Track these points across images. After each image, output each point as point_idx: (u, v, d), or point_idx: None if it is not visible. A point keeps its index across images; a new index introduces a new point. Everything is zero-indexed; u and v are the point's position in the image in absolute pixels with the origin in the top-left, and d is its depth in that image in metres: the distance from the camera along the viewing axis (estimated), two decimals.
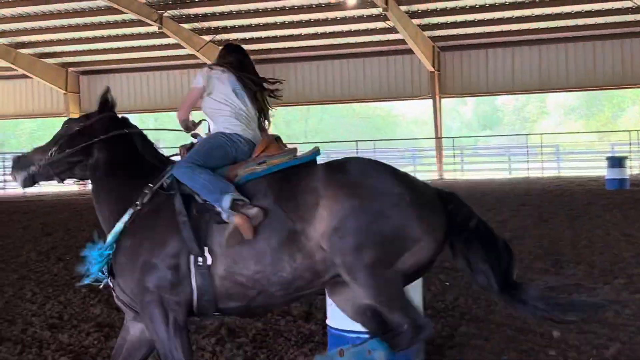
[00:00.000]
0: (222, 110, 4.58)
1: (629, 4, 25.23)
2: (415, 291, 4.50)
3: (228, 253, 4.02)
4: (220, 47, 4.96)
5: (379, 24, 27.52)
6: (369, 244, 3.85)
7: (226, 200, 4.04)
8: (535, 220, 13.07)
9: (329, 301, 4.61)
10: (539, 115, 53.48)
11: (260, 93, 4.73)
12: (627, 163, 20.33)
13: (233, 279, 4.03)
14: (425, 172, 30.95)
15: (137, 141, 4.67)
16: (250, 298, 4.05)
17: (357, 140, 32.55)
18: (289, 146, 4.51)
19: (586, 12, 26.22)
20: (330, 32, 28.85)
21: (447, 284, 7.61)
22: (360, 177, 4.05)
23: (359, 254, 3.83)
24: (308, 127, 55.87)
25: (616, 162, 19.84)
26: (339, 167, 4.16)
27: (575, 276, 7.76)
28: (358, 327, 4.29)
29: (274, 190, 4.12)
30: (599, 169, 22.39)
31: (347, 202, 3.92)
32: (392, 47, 29.35)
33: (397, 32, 27.09)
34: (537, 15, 26.55)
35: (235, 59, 4.74)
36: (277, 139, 4.56)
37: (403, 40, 27.59)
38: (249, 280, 4.01)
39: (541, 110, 53.38)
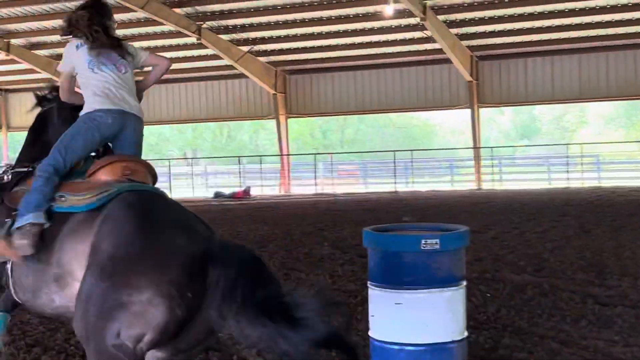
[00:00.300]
0: (84, 89, 4.27)
1: None
2: (457, 302, 4.44)
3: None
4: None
5: (417, 34, 27.43)
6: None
7: (21, 220, 3.76)
8: (576, 230, 12.90)
9: (370, 312, 4.59)
10: (578, 124, 52.93)
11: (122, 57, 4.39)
12: None
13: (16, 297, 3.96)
14: (463, 182, 30.79)
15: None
16: None
17: (394, 151, 32.46)
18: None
19: (626, 20, 25.90)
20: (367, 42, 28.85)
21: (489, 295, 7.53)
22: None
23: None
24: (344, 137, 55.90)
25: None
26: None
27: (620, 288, 7.64)
28: (401, 338, 4.26)
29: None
30: None
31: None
32: (430, 57, 29.25)
33: (434, 41, 26.99)
34: (576, 24, 26.27)
35: (86, 25, 4.36)
36: (135, 160, 4.17)
37: (441, 49, 27.48)
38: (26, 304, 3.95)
39: (580, 120, 52.82)
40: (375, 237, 4.51)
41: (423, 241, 4.32)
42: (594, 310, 6.73)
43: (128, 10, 25.73)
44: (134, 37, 29.18)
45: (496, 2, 25.32)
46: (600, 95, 28.88)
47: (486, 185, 29.44)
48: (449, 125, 53.28)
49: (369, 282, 4.54)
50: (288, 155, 32.93)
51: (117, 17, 26.88)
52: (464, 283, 4.50)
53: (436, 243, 4.31)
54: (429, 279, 4.34)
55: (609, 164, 32.15)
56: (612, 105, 45.06)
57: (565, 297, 7.32)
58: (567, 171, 29.36)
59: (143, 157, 4.44)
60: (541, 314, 6.70)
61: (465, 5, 25.83)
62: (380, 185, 30.98)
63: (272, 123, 34.06)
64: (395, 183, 30.53)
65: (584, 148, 32.35)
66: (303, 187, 31.15)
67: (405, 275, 4.34)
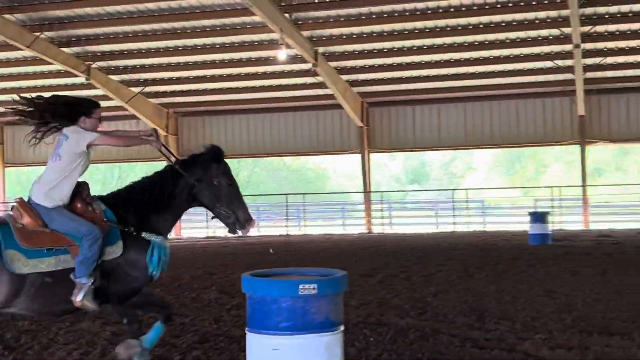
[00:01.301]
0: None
1: (549, 64, 26.16)
2: (336, 347, 4.45)
3: None
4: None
5: (309, 79, 27.84)
6: None
7: None
8: (460, 274, 13.20)
9: (248, 358, 4.52)
10: (465, 170, 54.57)
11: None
12: (549, 218, 20.78)
13: None
14: (354, 226, 31.12)
15: None
16: None
17: (287, 194, 32.57)
18: None
19: (509, 71, 27.09)
20: (260, 86, 29.06)
21: (372, 339, 7.58)
22: None
23: None
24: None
25: (539, 217, 20.26)
26: None
27: (497, 331, 7.84)
28: None
29: None
30: (523, 224, 22.86)
31: None
32: (322, 102, 29.66)
33: (327, 87, 27.43)
34: (462, 74, 27.31)
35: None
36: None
37: (333, 95, 27.96)
38: None
39: (468, 166, 54.49)
40: (254, 282, 4.48)
41: (301, 286, 4.32)
42: (472, 354, 6.87)
43: (15, 48, 25.08)
44: (21, 76, 28.48)
45: (385, 50, 26.05)
46: (485, 142, 29.94)
47: (376, 229, 29.86)
48: (342, 169, 53.98)
49: (247, 328, 4.50)
50: None
51: (3, 55, 26.23)
52: (342, 327, 4.51)
53: (314, 288, 4.32)
54: (307, 324, 4.33)
55: (494, 209, 33.20)
56: (497, 152, 46.74)
57: (446, 340, 7.46)
58: (454, 215, 30.16)
59: None
60: (421, 357, 6.79)
61: (356, 52, 26.47)
62: (272, 229, 30.94)
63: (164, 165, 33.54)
64: (287, 226, 30.57)
65: (470, 193, 33.36)
66: (194, 230, 30.76)
67: (283, 320, 4.33)
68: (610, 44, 25.09)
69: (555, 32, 24.20)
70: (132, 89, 29.16)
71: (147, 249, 5.69)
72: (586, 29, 23.42)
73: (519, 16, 23.53)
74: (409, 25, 24.37)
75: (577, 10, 21.56)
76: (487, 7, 22.96)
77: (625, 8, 22.84)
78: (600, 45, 25.10)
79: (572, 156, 32.30)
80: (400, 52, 26.09)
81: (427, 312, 9.16)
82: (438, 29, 24.60)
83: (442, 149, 32.46)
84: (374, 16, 23.86)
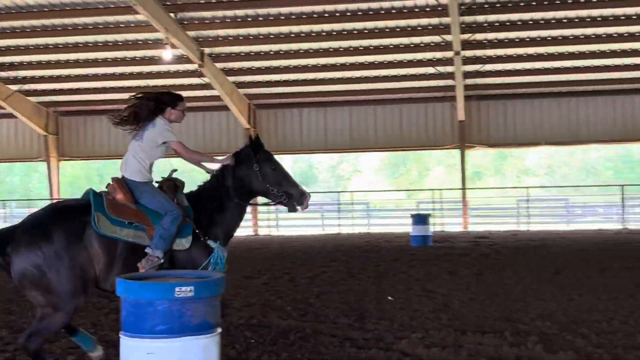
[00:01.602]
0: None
1: (432, 70, 26.88)
2: (213, 349, 4.43)
3: None
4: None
5: (195, 80, 27.56)
6: None
7: None
8: (343, 275, 13.38)
9: None
10: (352, 173, 55.31)
11: None
12: (431, 220, 21.34)
13: None
14: (241, 228, 30.92)
15: None
16: None
17: None
18: None
19: (393, 76, 27.66)
20: (144, 86, 28.52)
21: (252, 341, 7.58)
22: None
23: None
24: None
25: (420, 219, 20.77)
26: None
27: (376, 331, 7.99)
28: None
29: None
30: (406, 226, 23.37)
31: None
32: (209, 103, 29.40)
33: (213, 88, 27.23)
34: (348, 78, 27.71)
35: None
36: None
37: (219, 96, 27.78)
38: None
39: (355, 169, 55.24)
40: (128, 285, 4.42)
41: (177, 289, 4.29)
42: (350, 354, 6.98)
43: None
44: None
45: (272, 53, 26.11)
46: (369, 146, 30.45)
47: (263, 231, 29.86)
48: None
49: (121, 332, 4.42)
50: (59, 199, 31.55)
51: None
52: (219, 330, 4.50)
53: (190, 290, 4.30)
54: (184, 327, 4.31)
55: (378, 211, 33.77)
56: (382, 155, 47.61)
57: (326, 341, 7.55)
58: (339, 218, 30.53)
59: None
60: (301, 358, 6.85)
61: (243, 54, 26.41)
62: None
63: (44, 165, 32.53)
64: None
65: (356, 196, 33.83)
66: None
67: (159, 323, 4.28)
68: (489, 52, 26.01)
69: (436, 39, 24.89)
70: (10, 86, 28.08)
71: (208, 254, 6.08)
72: (466, 36, 24.21)
73: (402, 22, 24.06)
74: (295, 28, 24.53)
75: (457, 18, 22.23)
76: (371, 12, 23.38)
77: (503, 17, 23.72)
78: (479, 52, 25.97)
79: (453, 160, 33.23)
80: (287, 55, 26.22)
81: (309, 313, 9.24)
82: (324, 33, 24.84)
83: (328, 151, 32.80)
84: (260, 18, 23.87)
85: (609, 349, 7.17)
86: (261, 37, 25.09)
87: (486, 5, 23.00)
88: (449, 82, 27.21)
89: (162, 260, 5.87)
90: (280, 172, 6.55)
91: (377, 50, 25.79)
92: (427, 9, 23.22)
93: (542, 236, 23.26)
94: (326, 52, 26.06)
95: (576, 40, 24.99)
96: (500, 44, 25.42)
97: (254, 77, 28.05)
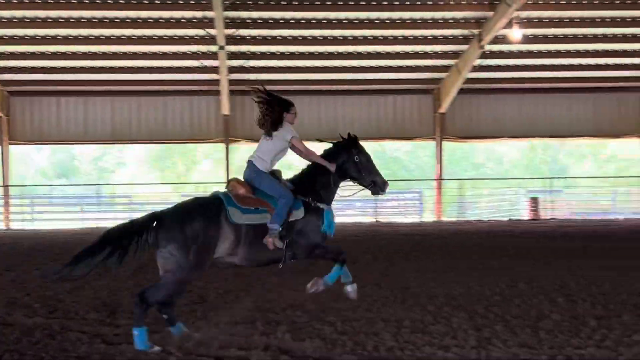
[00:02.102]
0: None
1: (196, 64, 26.82)
2: None
3: None
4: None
5: None
6: None
7: None
8: (99, 270, 12.94)
9: None
10: (116, 165, 53.88)
11: None
12: None
13: None
14: None
15: None
16: None
17: None
18: None
19: (157, 68, 27.25)
20: None
21: None
22: None
23: None
24: None
25: None
26: None
27: (128, 326, 7.87)
28: None
29: None
30: None
31: None
32: None
33: None
34: (109, 67, 26.98)
35: None
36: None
37: None
38: None
39: (119, 161, 53.84)
40: None
41: None
42: (100, 350, 6.82)
43: None
44: None
45: (27, 38, 24.81)
46: (132, 138, 29.74)
47: (16, 225, 28.24)
48: None
49: None
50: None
51: None
52: None
53: None
54: None
55: (141, 205, 33.17)
56: (149, 148, 46.85)
57: (74, 337, 7.32)
58: (99, 211, 29.63)
59: None
60: (45, 356, 6.59)
61: None
62: None
63: None
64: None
65: (119, 188, 32.98)
66: None
67: None
68: (253, 48, 26.45)
69: (201, 32, 24.90)
70: None
71: (320, 214, 7.86)
72: (230, 31, 24.43)
73: (166, 14, 23.84)
74: (53, 13, 23.47)
75: (221, 13, 22.41)
76: (134, 2, 22.95)
77: (266, 15, 24.23)
78: (243, 48, 26.33)
79: (220, 154, 33.38)
80: (45, 40, 25.01)
81: (58, 310, 8.91)
82: (84, 20, 24.03)
83: (88, 143, 31.65)
84: (15, 1, 22.59)
85: (352, 335, 7.59)
86: (15, 20, 23.74)
87: (249, 2, 23.36)
88: (214, 76, 27.32)
89: (280, 229, 7.58)
90: (371, 163, 8.21)
91: (141, 40, 25.36)
92: (192, 2, 23.18)
93: None
94: (86, 40, 25.20)
95: (336, 41, 26.12)
96: (264, 40, 25.93)
97: (7, 62, 26.45)
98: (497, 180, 42.07)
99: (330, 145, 8.26)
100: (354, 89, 29.42)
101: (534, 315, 8.46)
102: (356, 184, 8.25)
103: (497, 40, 25.72)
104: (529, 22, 25.09)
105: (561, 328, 7.81)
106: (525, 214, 30.06)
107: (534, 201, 30.24)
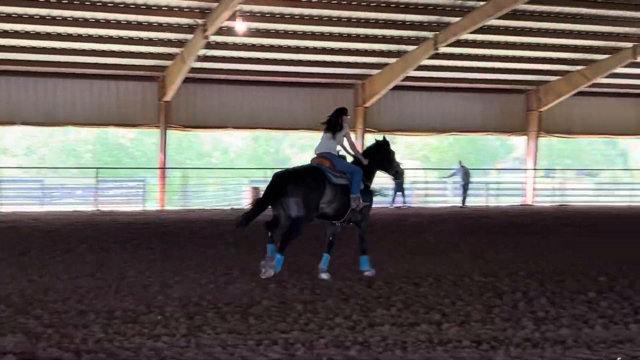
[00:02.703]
0: None
1: None
2: None
3: None
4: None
5: None
6: None
7: None
8: None
9: None
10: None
11: None
12: None
13: None
14: None
15: None
16: None
17: None
18: None
19: None
20: None
21: None
22: None
23: None
24: None
25: None
26: None
27: None
28: None
29: None
30: None
31: None
32: None
33: None
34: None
35: None
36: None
37: None
38: None
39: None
40: None
41: None
42: None
43: None
44: None
45: None
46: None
47: None
48: None
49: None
50: None
51: None
52: None
53: None
54: None
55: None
56: None
57: None
58: None
59: None
60: None
61: None
62: None
63: None
64: None
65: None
66: None
67: None
68: None
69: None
70: None
71: (370, 194, 11.05)
72: None
73: None
74: None
75: None
76: None
77: None
78: None
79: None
80: None
81: None
82: None
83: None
84: None
85: (59, 328, 7.30)
86: None
87: None
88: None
89: (359, 194, 10.51)
90: (395, 159, 11.45)
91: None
92: None
93: (14, 218, 22.73)
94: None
95: (56, 21, 25.00)
96: None
97: None
98: (221, 169, 42.79)
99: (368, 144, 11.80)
100: (75, 72, 28.35)
101: (246, 302, 8.68)
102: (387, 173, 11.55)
103: (222, 31, 25.97)
104: (252, 16, 25.62)
105: (270, 313, 8.08)
106: (246, 203, 30.81)
107: (255, 190, 31.10)
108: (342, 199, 10.40)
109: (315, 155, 10.77)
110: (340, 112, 10.86)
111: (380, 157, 11.25)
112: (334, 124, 10.76)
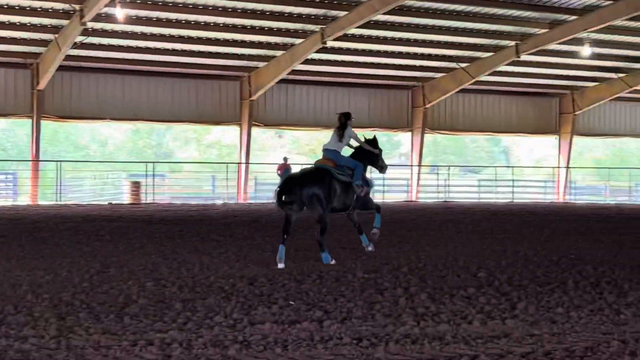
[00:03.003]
0: None
1: None
2: None
3: None
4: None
5: None
6: None
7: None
8: None
9: None
10: None
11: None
12: None
13: None
14: None
15: None
16: None
17: None
18: None
19: None
20: None
21: None
22: None
23: None
24: None
25: None
26: None
27: None
28: None
29: None
30: None
31: None
32: None
33: None
34: None
35: None
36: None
37: None
38: None
39: None
40: None
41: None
42: None
43: None
44: None
45: None
46: None
47: None
48: None
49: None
50: None
51: None
52: None
53: None
54: None
55: None
56: None
57: None
58: None
59: None
60: None
61: None
62: None
63: None
64: None
65: None
66: None
67: None
68: None
69: None
70: None
71: (367, 181, 12.62)
72: None
73: None
74: None
75: None
76: None
77: None
78: None
79: None
80: None
81: None
82: None
83: None
84: None
85: None
86: None
87: None
88: None
89: (361, 183, 12.13)
90: (381, 155, 13.04)
91: None
92: None
93: None
94: None
95: None
96: None
97: None
98: (100, 163, 41.53)
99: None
100: None
101: (121, 301, 8.30)
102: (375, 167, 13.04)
103: (100, 18, 25.03)
104: (132, 3, 24.83)
105: (147, 312, 7.74)
106: (126, 198, 29.98)
107: (136, 185, 30.32)
108: (346, 192, 12.06)
109: (322, 154, 12.46)
110: (346, 117, 12.49)
111: (371, 152, 12.93)
112: (343, 126, 12.39)
